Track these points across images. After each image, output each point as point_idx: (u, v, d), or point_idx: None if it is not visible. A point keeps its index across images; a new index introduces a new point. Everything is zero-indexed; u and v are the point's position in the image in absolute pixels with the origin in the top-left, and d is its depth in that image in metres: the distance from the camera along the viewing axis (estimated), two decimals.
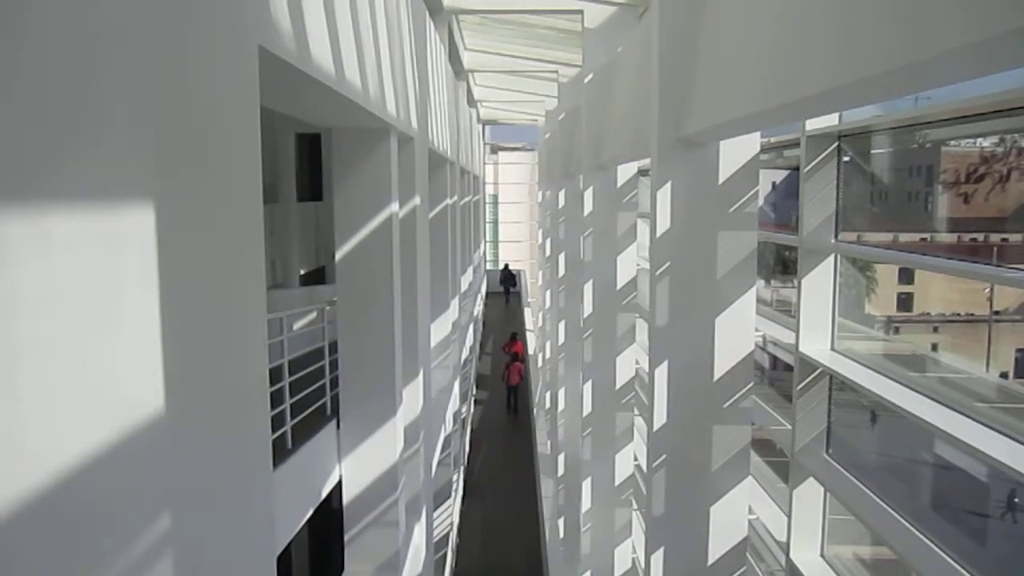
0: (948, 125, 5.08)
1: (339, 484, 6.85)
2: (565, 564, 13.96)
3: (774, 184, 7.93)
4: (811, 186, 5.83)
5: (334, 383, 6.86)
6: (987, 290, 4.98)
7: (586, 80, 11.39)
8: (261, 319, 2.97)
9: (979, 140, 5.06)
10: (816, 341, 5.49)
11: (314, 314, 9.60)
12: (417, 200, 8.31)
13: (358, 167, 6.38)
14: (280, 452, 5.31)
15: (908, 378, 4.83)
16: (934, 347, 5.71)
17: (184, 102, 2.33)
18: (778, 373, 7.70)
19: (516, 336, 24.63)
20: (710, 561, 5.97)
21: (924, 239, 5.59)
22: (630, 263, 10.68)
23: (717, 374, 5.85)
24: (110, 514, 1.82)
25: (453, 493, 15.39)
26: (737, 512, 5.98)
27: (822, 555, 5.45)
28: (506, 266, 40.08)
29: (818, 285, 5.69)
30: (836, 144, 5.77)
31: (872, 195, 6.03)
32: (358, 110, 5.10)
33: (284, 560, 9.78)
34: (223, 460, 2.64)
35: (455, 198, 15.77)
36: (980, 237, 5.11)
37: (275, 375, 4.96)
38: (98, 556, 1.78)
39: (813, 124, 5.78)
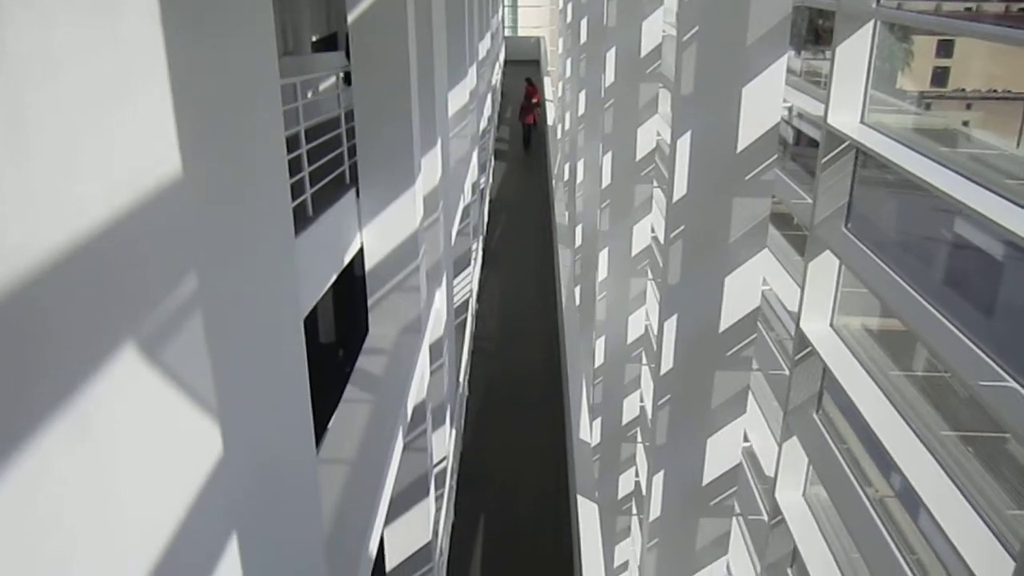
0: None
1: (361, 251, 6.99)
2: (580, 330, 14.51)
3: None
4: None
5: (352, 152, 6.82)
6: None
7: None
8: (273, 83, 2.88)
9: None
10: (846, 113, 5.33)
11: (330, 80, 9.38)
12: None
13: None
14: (301, 219, 5.37)
15: (937, 153, 4.73)
16: (965, 123, 5.54)
17: None
18: (801, 148, 7.57)
19: (531, 81, 28.21)
20: (722, 328, 6.16)
21: (969, 8, 5.28)
22: (656, 29, 10.21)
23: (741, 146, 5.76)
24: (136, 276, 1.85)
25: (472, 261, 15.75)
26: (751, 282, 6.10)
27: (831, 325, 5.60)
28: None
29: (853, 54, 5.43)
30: None
31: None
32: None
33: (311, 322, 10.19)
34: (245, 225, 2.66)
35: None
36: None
37: (292, 143, 4.91)
38: (130, 315, 1.83)
39: None
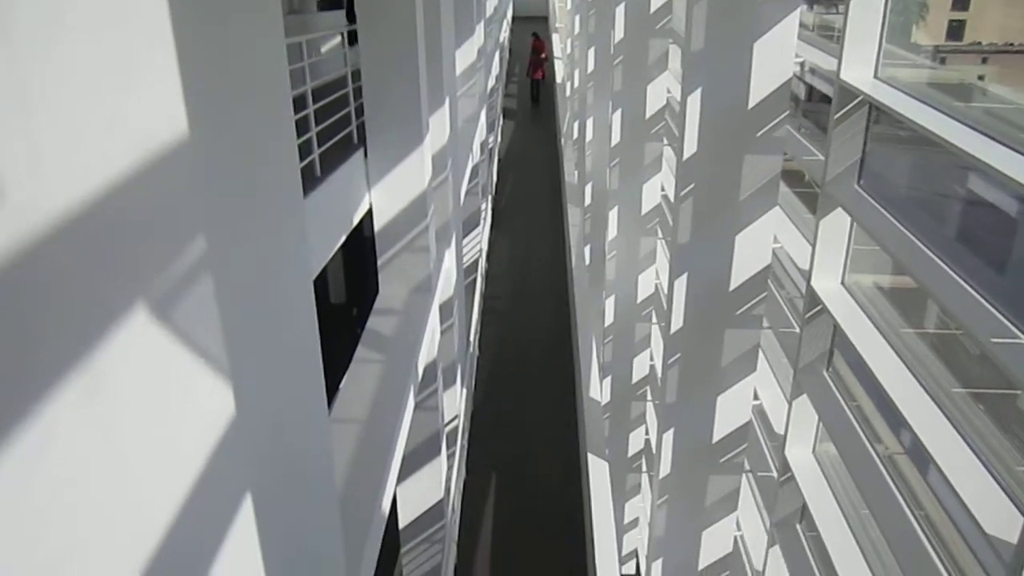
0: None
1: (370, 212, 6.97)
2: (591, 289, 14.51)
3: None
4: None
5: (359, 112, 6.77)
6: None
7: None
8: (279, 43, 2.85)
9: None
10: (859, 68, 5.25)
11: (336, 40, 9.30)
12: None
13: None
14: (309, 180, 5.36)
15: (952, 108, 4.66)
16: (981, 78, 5.46)
17: None
18: (813, 104, 7.48)
19: (538, 35, 29.10)
20: (732, 286, 6.15)
21: None
22: None
23: (752, 102, 5.69)
24: (144, 238, 1.85)
25: (482, 221, 15.71)
26: (762, 241, 6.07)
27: (842, 283, 5.57)
28: None
29: (867, 7, 5.33)
30: None
31: None
32: None
33: (321, 283, 10.22)
34: (252, 185, 2.65)
35: None
36: None
37: (298, 103, 4.88)
38: (139, 276, 1.83)
39: None
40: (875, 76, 5.26)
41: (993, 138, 4.03)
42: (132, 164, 1.76)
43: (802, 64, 6.93)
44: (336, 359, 6.24)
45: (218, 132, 2.36)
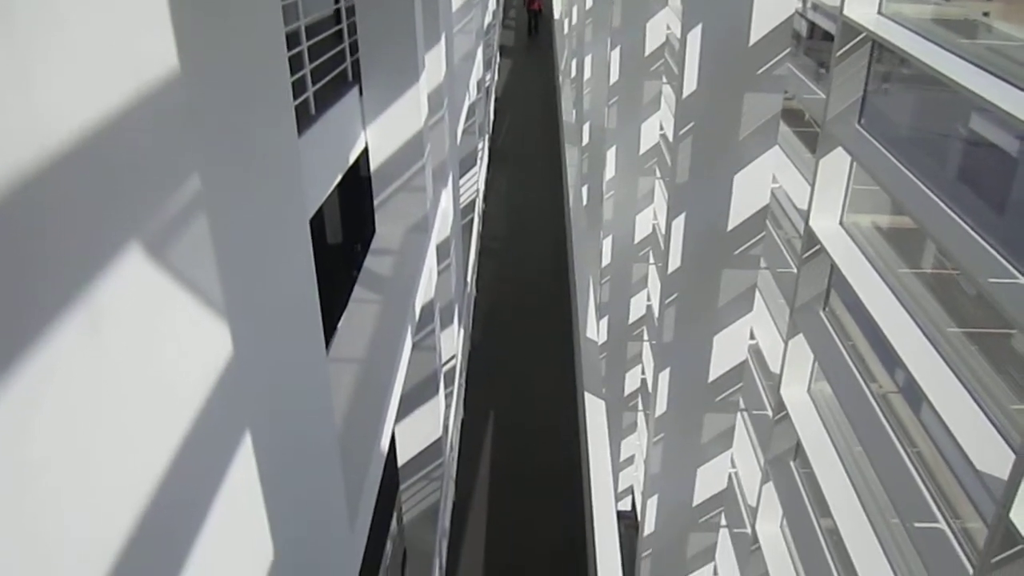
0: None
1: (366, 151, 6.91)
2: (588, 229, 14.48)
3: None
4: None
5: (353, 48, 6.66)
6: None
7: None
8: None
9: None
10: (863, 4, 5.16)
11: None
12: None
13: None
14: (304, 118, 5.29)
15: (956, 44, 4.58)
16: (986, 14, 5.38)
17: None
18: (815, 42, 7.36)
19: None
20: (730, 226, 6.13)
21: None
22: None
23: (752, 39, 5.60)
24: (137, 176, 1.83)
25: (478, 161, 15.59)
26: (761, 180, 6.04)
27: (840, 223, 5.55)
28: None
29: None
30: None
31: None
32: None
33: (317, 222, 10.19)
34: (246, 124, 2.61)
35: None
36: None
37: (292, 40, 4.79)
38: (133, 215, 1.81)
39: None
40: (879, 12, 5.17)
41: (997, 76, 3.98)
42: (124, 99, 1.73)
43: (804, 0, 6.81)
44: (333, 299, 6.24)
45: (210, 68, 2.32)
